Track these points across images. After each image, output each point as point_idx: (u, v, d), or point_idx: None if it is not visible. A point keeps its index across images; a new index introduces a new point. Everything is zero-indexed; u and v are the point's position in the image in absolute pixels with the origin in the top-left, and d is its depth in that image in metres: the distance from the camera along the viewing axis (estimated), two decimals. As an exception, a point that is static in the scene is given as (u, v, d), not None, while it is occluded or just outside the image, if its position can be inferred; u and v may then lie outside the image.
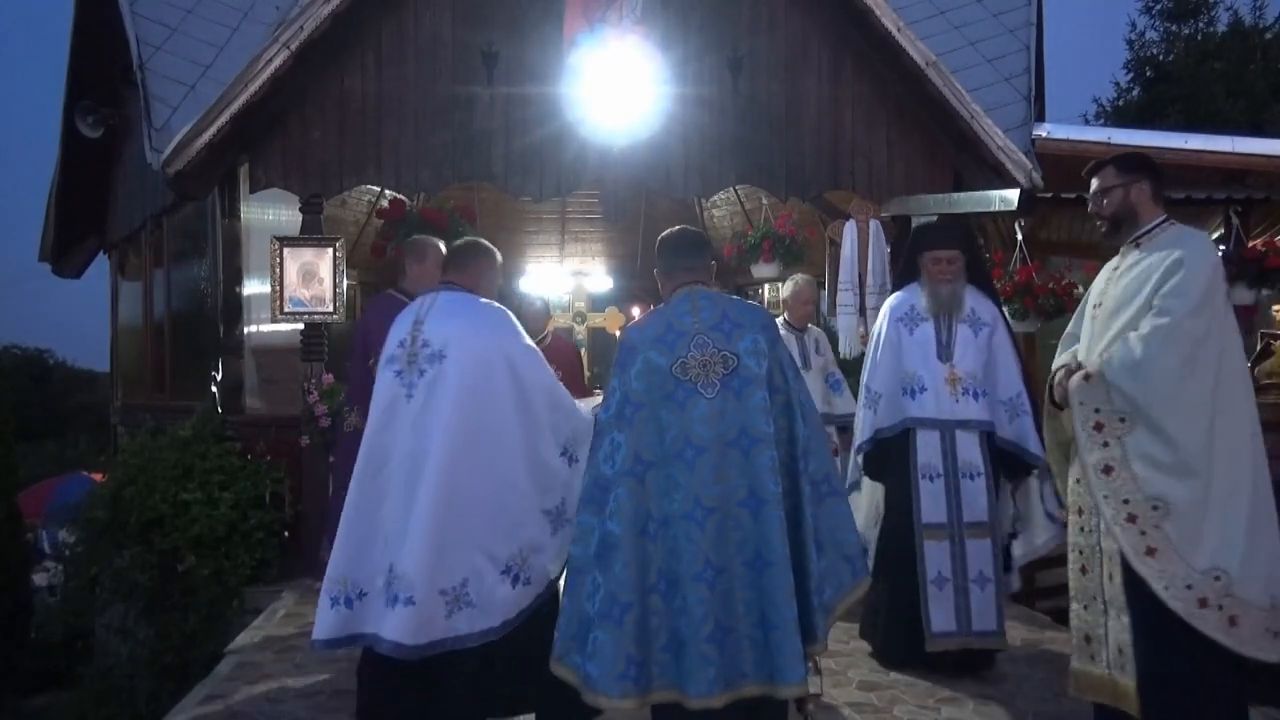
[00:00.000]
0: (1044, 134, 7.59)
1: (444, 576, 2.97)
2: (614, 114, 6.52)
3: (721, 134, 6.83)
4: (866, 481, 4.57)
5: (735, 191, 9.62)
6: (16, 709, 9.07)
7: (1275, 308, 8.47)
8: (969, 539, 4.18)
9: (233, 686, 4.23)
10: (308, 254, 6.62)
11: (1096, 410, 3.06)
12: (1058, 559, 3.92)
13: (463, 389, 3.07)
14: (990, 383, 4.29)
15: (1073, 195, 6.87)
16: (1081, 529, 3.18)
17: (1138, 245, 3.17)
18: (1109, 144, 7.36)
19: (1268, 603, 2.85)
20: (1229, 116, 16.44)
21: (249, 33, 8.60)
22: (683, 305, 2.95)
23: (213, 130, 6.18)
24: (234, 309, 7.23)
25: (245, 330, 7.31)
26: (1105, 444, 3.03)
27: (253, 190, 6.71)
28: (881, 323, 4.52)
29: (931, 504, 4.21)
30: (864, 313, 6.83)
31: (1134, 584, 2.95)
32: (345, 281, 6.79)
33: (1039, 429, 4.03)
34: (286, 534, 6.44)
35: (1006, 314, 4.87)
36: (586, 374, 8.44)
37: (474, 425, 3.06)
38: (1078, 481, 3.19)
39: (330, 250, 6.66)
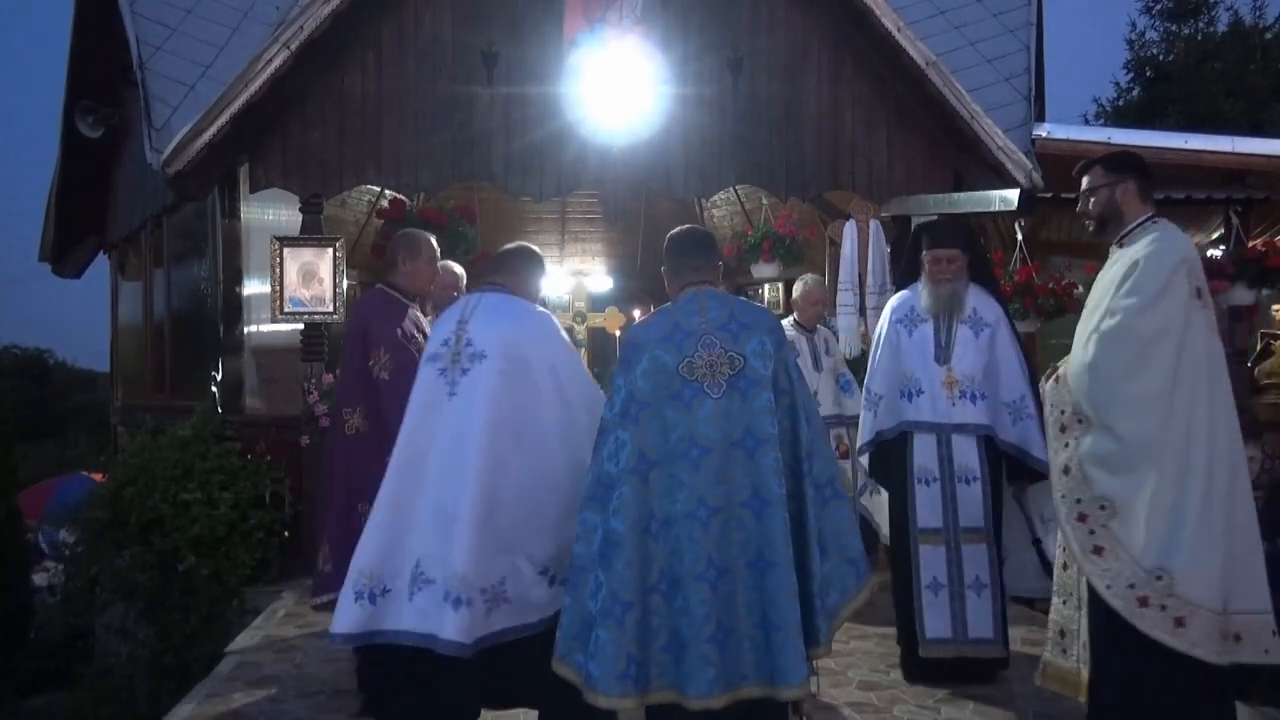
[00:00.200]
0: (1044, 134, 7.59)
1: (485, 575, 3.01)
2: (614, 114, 6.51)
3: (721, 134, 6.83)
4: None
5: (735, 191, 9.61)
6: (16, 709, 9.07)
7: (1275, 308, 8.47)
8: (965, 544, 4.11)
9: (233, 686, 4.23)
10: (308, 254, 6.62)
11: (1062, 412, 3.10)
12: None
13: (505, 389, 3.11)
14: (992, 385, 4.20)
15: (1073, 195, 6.79)
16: None
17: (1121, 244, 3.18)
18: (1109, 144, 7.35)
19: (1220, 605, 2.79)
20: (1229, 116, 16.43)
21: (249, 33, 8.59)
22: (690, 305, 2.95)
23: (213, 130, 6.18)
24: (234, 309, 7.23)
25: (245, 330, 7.31)
26: (1067, 445, 3.06)
27: (253, 190, 6.71)
28: (882, 323, 4.48)
29: (927, 508, 4.15)
30: (864, 313, 6.83)
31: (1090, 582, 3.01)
32: (345, 281, 6.79)
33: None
34: (286, 534, 6.44)
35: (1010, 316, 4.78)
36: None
37: (515, 426, 3.10)
38: None
39: (330, 250, 6.66)
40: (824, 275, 7.51)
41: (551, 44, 6.50)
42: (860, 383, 5.02)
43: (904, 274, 4.59)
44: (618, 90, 6.45)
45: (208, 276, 7.90)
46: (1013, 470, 4.27)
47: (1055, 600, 3.28)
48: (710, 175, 6.93)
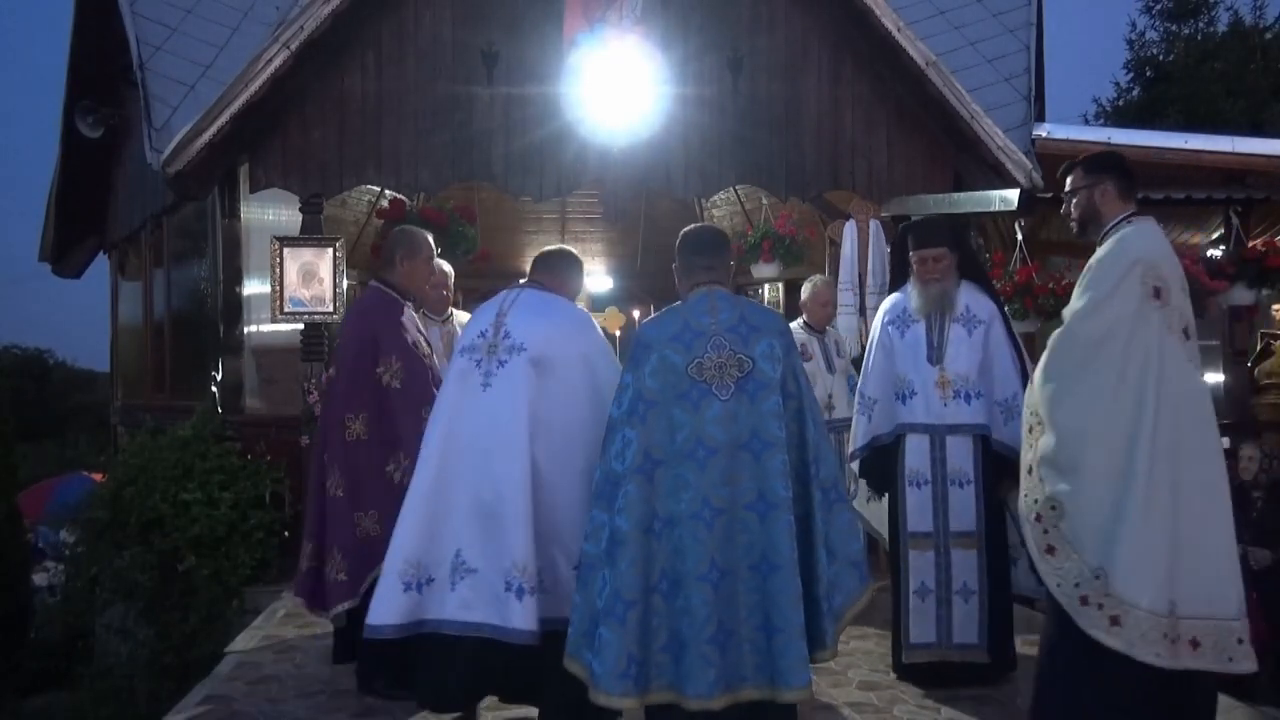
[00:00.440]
0: (1044, 134, 7.58)
1: (537, 564, 3.10)
2: (614, 114, 6.51)
3: (721, 134, 6.82)
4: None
5: (735, 191, 9.61)
6: (16, 709, 9.07)
7: (1275, 307, 8.47)
8: (955, 549, 4.05)
9: (233, 686, 4.23)
10: (308, 254, 6.62)
11: (1031, 414, 3.13)
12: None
13: (541, 382, 3.19)
14: (986, 383, 4.13)
15: (1073, 195, 6.86)
16: None
17: (1100, 245, 3.19)
18: (1109, 144, 7.35)
19: (1164, 608, 2.76)
20: (1229, 116, 16.43)
21: (249, 33, 8.60)
22: (701, 305, 2.95)
23: (213, 130, 6.18)
24: (234, 309, 7.23)
25: (245, 330, 7.31)
26: (1030, 446, 3.09)
27: (253, 190, 6.71)
28: (875, 326, 4.44)
29: (917, 512, 4.10)
30: (864, 313, 6.83)
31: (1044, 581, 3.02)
32: (345, 281, 6.79)
33: None
34: (286, 534, 6.44)
35: (1007, 312, 4.72)
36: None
37: (550, 419, 3.17)
38: None
39: (330, 250, 6.66)
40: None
41: (551, 44, 6.50)
42: None
43: (894, 275, 4.56)
44: (618, 90, 6.45)
45: (208, 276, 7.90)
46: (1001, 469, 4.18)
47: None
48: (710, 175, 6.93)
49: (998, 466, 4.14)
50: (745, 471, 2.79)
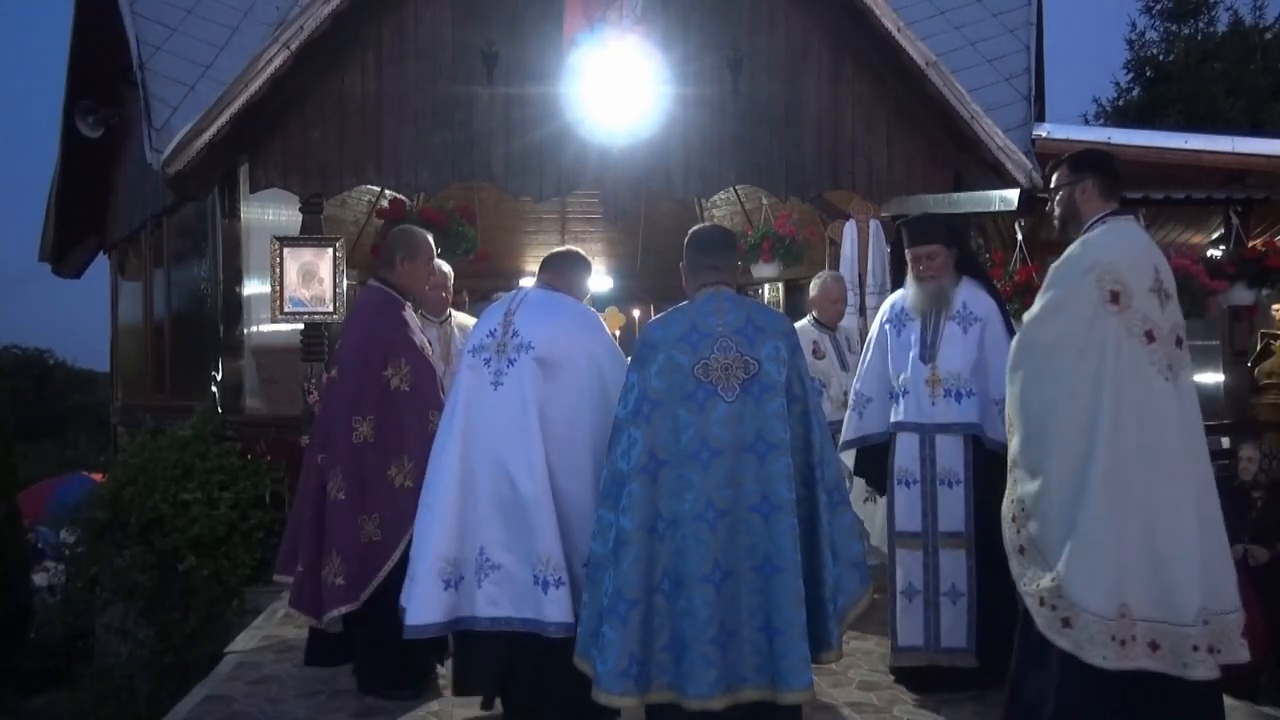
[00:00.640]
0: (1044, 134, 7.59)
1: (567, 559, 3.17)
2: (614, 114, 6.51)
3: (721, 134, 6.82)
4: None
5: (735, 191, 9.61)
6: (16, 709, 9.06)
7: (1275, 307, 8.47)
8: (943, 549, 3.98)
9: (233, 686, 4.22)
10: (308, 254, 6.62)
11: (1007, 415, 3.16)
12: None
13: (549, 379, 3.25)
14: (981, 382, 4.04)
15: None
16: None
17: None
18: (1109, 144, 7.35)
19: (1112, 611, 2.76)
20: (1229, 116, 16.43)
21: (249, 33, 8.60)
22: (708, 306, 2.96)
23: (213, 130, 6.18)
24: (234, 309, 7.23)
25: (245, 330, 7.31)
26: (1008, 449, 3.12)
27: (253, 190, 6.71)
28: (874, 325, 4.42)
29: (906, 511, 4.05)
30: (864, 313, 6.83)
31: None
32: (345, 281, 6.79)
33: None
34: (286, 534, 6.44)
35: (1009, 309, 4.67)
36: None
37: (557, 416, 3.24)
38: None
39: (330, 250, 6.66)
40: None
41: (551, 44, 6.50)
42: None
43: (895, 274, 4.53)
44: (618, 90, 6.45)
45: (208, 276, 7.90)
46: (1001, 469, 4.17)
47: None
48: (710, 175, 6.93)
49: (996, 466, 4.10)
50: (749, 473, 2.80)
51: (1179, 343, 2.98)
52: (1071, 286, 2.97)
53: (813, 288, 5.83)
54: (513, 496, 3.21)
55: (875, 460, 4.32)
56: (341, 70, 6.60)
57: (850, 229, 7.06)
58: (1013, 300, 7.00)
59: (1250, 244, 7.45)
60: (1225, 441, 7.12)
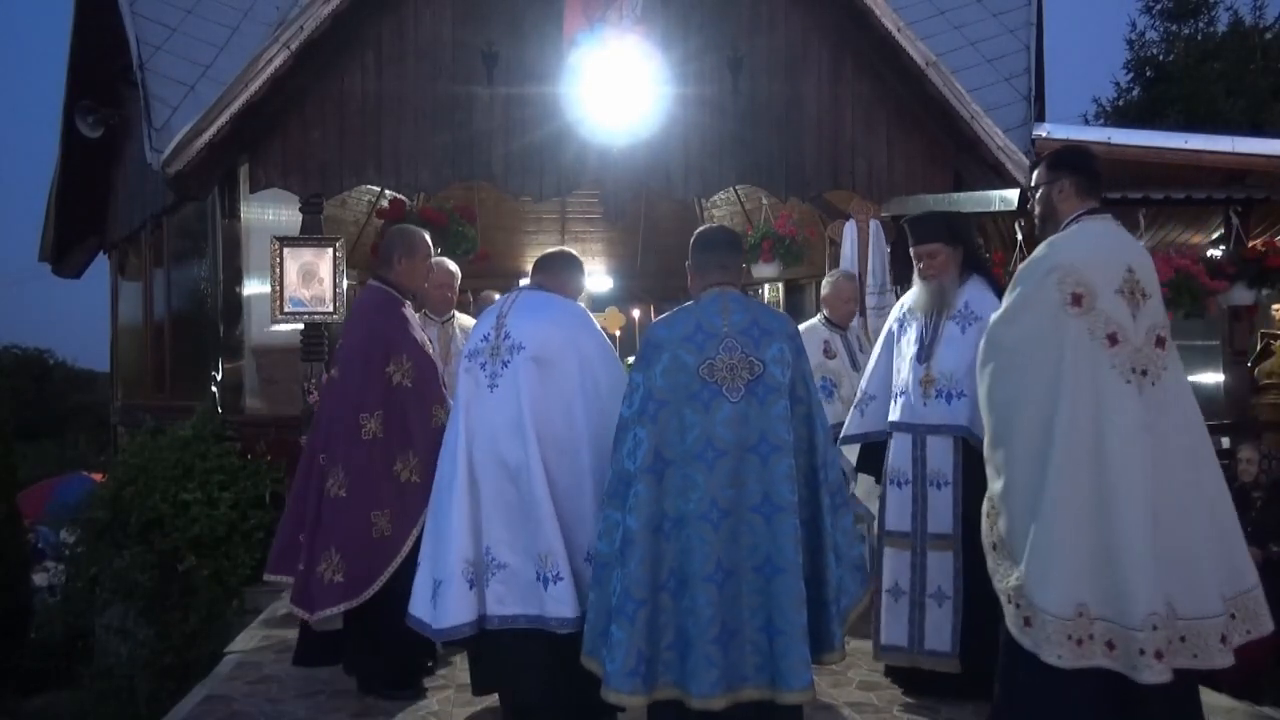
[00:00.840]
0: (1044, 134, 7.58)
1: (563, 553, 3.19)
2: (614, 114, 6.51)
3: (721, 134, 6.82)
4: None
5: (735, 191, 9.61)
6: (16, 709, 9.06)
7: (1275, 307, 8.47)
8: (931, 551, 3.96)
9: (233, 686, 4.23)
10: (308, 254, 6.62)
11: None
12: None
13: (541, 378, 3.29)
14: (974, 383, 3.84)
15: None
16: None
17: None
18: (1109, 144, 7.36)
19: (1069, 612, 2.76)
20: (1229, 116, 16.43)
21: (249, 33, 8.60)
22: (714, 306, 2.97)
23: (213, 130, 6.18)
24: (234, 309, 7.24)
25: (245, 330, 7.31)
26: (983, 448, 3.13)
27: (253, 190, 6.71)
28: (887, 322, 4.41)
29: (896, 511, 4.05)
30: (864, 313, 6.81)
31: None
32: (345, 281, 6.79)
33: None
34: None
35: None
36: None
37: (551, 414, 3.28)
38: None
39: (330, 250, 6.66)
40: (824, 275, 7.49)
41: (551, 44, 6.50)
42: None
43: (894, 273, 4.51)
44: (618, 90, 6.45)
45: (208, 276, 7.91)
46: None
47: None
48: (710, 175, 6.93)
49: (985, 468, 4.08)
50: (752, 474, 2.82)
51: (1160, 342, 2.93)
52: (1034, 288, 2.97)
53: (825, 286, 5.76)
54: (514, 496, 3.26)
55: (878, 458, 4.32)
56: (341, 70, 6.60)
57: (850, 229, 7.05)
58: (1013, 300, 6.99)
59: (1250, 244, 7.44)
60: (1225, 441, 7.12)
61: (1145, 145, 7.64)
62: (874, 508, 5.04)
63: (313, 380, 6.52)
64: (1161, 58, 19.16)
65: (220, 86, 6.56)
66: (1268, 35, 18.38)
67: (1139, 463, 2.80)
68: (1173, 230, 8.52)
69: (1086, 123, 18.17)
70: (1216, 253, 7.79)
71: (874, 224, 6.98)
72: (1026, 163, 6.70)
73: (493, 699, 3.68)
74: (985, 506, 3.08)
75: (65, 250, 11.80)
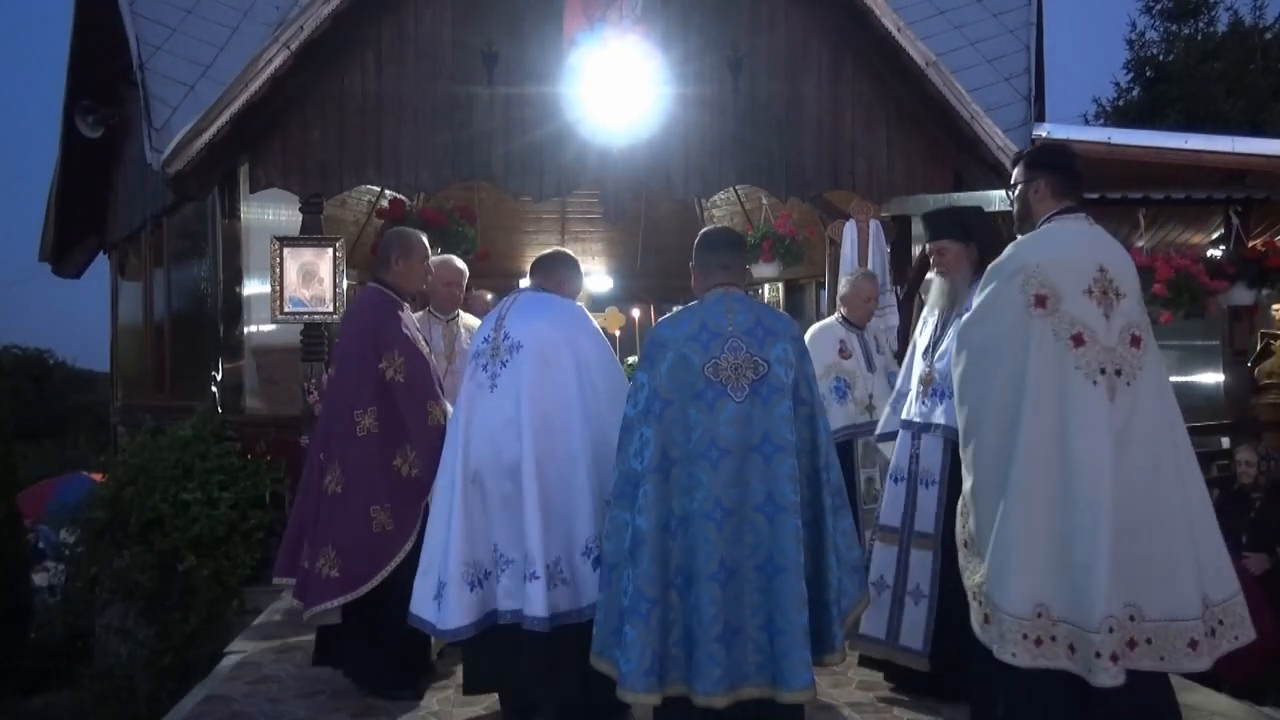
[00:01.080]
0: (1044, 134, 7.58)
1: (548, 553, 3.25)
2: (614, 114, 6.52)
3: (721, 134, 6.83)
4: None
5: (735, 191, 9.61)
6: (16, 709, 9.06)
7: (1275, 307, 8.46)
8: (914, 549, 3.97)
9: (233, 686, 4.23)
10: (308, 254, 6.63)
11: None
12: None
13: (539, 376, 3.35)
14: None
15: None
16: None
17: None
18: (1109, 144, 7.36)
19: (1026, 612, 2.76)
20: (1229, 116, 16.42)
21: (249, 33, 8.60)
22: (718, 306, 2.98)
23: (213, 130, 6.18)
24: (234, 309, 7.23)
25: (245, 330, 7.31)
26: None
27: (253, 190, 6.71)
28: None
29: (891, 506, 4.07)
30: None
31: None
32: (345, 281, 6.80)
33: None
34: (286, 534, 6.44)
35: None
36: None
37: (550, 411, 3.33)
38: None
39: (330, 250, 6.66)
40: (824, 275, 7.51)
41: (551, 44, 6.50)
42: None
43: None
44: (618, 90, 6.46)
45: (208, 276, 7.90)
46: None
47: None
48: (710, 175, 6.93)
49: None
50: (755, 473, 2.83)
51: (1135, 341, 2.90)
52: (1000, 289, 2.97)
53: (843, 285, 5.70)
54: (514, 493, 3.31)
55: None
56: (341, 70, 6.60)
57: (850, 229, 7.05)
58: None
59: (1250, 244, 7.44)
60: (1225, 441, 7.11)
61: (1145, 145, 7.63)
62: None
63: (313, 380, 6.52)
64: (1161, 58, 19.16)
65: (220, 86, 6.56)
66: (1268, 35, 18.38)
67: (1103, 464, 2.77)
68: (1173, 230, 8.52)
69: (1086, 123, 18.17)
70: (1216, 253, 7.79)
71: (874, 224, 6.98)
72: (1026, 163, 6.70)
73: (493, 699, 3.68)
74: (960, 505, 3.10)
75: (65, 250, 11.80)
